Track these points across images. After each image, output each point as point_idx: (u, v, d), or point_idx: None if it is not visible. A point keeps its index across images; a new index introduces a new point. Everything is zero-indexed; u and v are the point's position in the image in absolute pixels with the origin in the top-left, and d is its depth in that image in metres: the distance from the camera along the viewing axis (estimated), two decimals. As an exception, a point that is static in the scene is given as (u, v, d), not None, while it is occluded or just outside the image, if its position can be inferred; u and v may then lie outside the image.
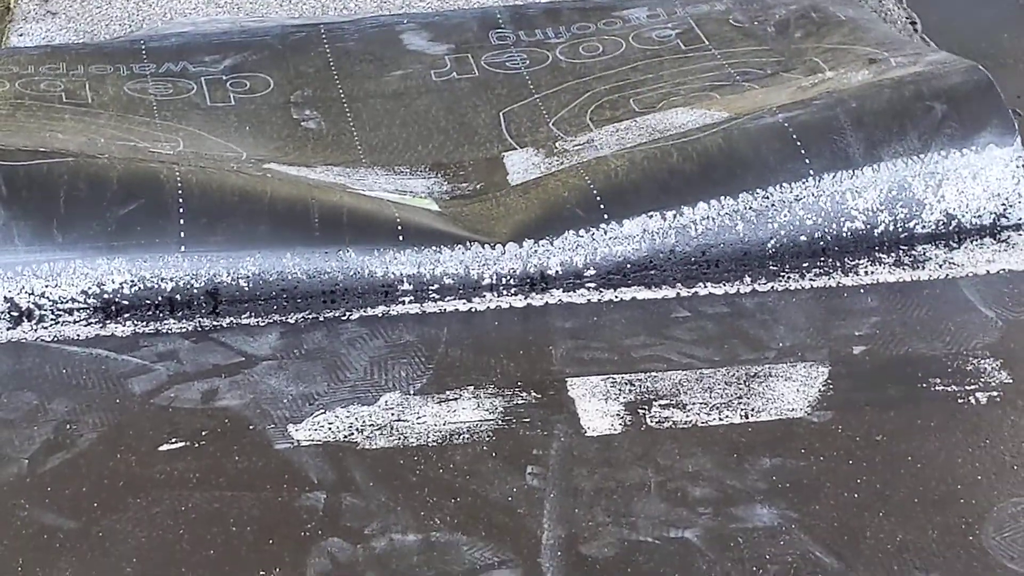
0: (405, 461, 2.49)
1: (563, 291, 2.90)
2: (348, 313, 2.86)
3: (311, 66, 3.63)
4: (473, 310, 2.86)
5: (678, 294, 2.89)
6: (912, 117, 3.04)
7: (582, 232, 2.93)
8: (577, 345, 2.76)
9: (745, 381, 2.65)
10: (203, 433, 2.57)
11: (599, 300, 2.88)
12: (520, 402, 2.62)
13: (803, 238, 2.97)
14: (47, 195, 2.87)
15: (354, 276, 2.89)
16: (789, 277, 2.92)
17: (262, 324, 2.83)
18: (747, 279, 2.92)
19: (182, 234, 2.87)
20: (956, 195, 3.01)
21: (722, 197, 2.96)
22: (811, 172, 2.98)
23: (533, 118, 3.41)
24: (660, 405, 2.60)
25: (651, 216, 2.95)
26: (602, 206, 2.95)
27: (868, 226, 2.99)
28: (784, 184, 2.97)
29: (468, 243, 2.92)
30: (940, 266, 2.94)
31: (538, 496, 2.41)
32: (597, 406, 2.60)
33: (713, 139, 3.06)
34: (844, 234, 2.99)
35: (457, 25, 3.77)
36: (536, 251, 2.92)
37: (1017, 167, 3.03)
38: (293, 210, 2.93)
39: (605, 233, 2.93)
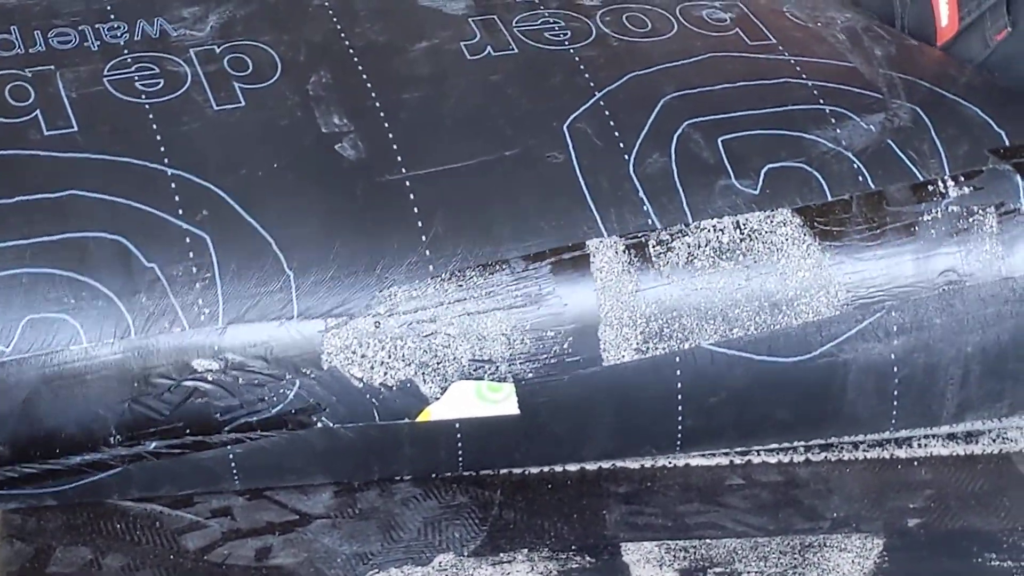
0: (459, 623, 2.49)
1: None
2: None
3: (315, 29, 2.83)
4: (526, 472, 2.87)
5: (731, 462, 2.89)
6: None
7: None
8: (631, 510, 2.76)
9: (800, 551, 2.64)
10: (257, 590, 2.57)
11: (652, 466, 2.88)
12: (574, 566, 2.61)
13: None
14: None
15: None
16: (843, 447, 2.92)
17: (315, 483, 2.84)
18: (800, 449, 2.92)
19: None
20: None
21: None
22: None
23: (609, 159, 2.66)
24: (715, 572, 2.59)
25: None
26: None
27: None
28: None
29: None
30: (993, 441, 2.94)
31: (593, 661, 2.39)
32: (652, 572, 2.59)
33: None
34: None
35: None
36: None
37: None
38: None
39: None
